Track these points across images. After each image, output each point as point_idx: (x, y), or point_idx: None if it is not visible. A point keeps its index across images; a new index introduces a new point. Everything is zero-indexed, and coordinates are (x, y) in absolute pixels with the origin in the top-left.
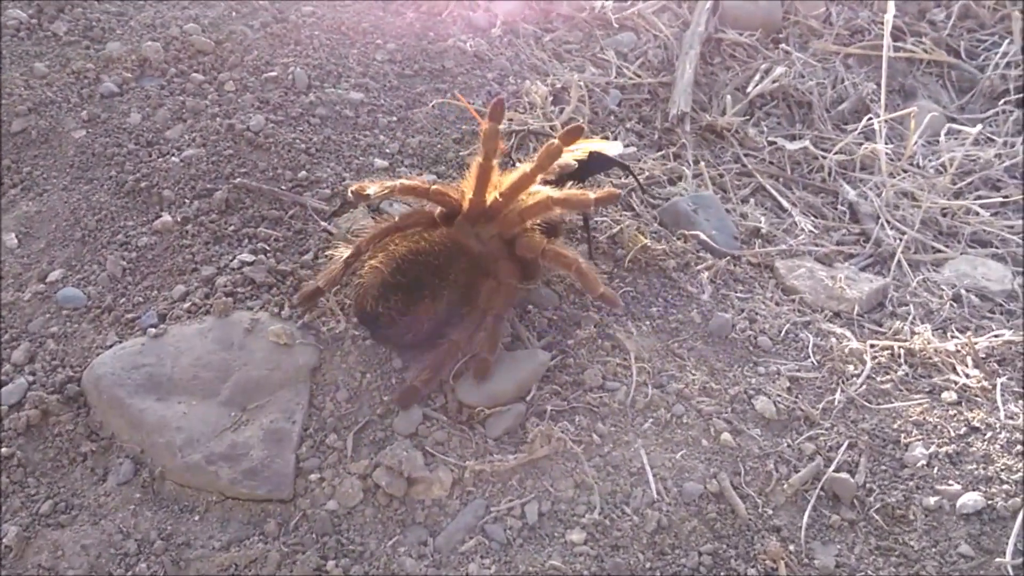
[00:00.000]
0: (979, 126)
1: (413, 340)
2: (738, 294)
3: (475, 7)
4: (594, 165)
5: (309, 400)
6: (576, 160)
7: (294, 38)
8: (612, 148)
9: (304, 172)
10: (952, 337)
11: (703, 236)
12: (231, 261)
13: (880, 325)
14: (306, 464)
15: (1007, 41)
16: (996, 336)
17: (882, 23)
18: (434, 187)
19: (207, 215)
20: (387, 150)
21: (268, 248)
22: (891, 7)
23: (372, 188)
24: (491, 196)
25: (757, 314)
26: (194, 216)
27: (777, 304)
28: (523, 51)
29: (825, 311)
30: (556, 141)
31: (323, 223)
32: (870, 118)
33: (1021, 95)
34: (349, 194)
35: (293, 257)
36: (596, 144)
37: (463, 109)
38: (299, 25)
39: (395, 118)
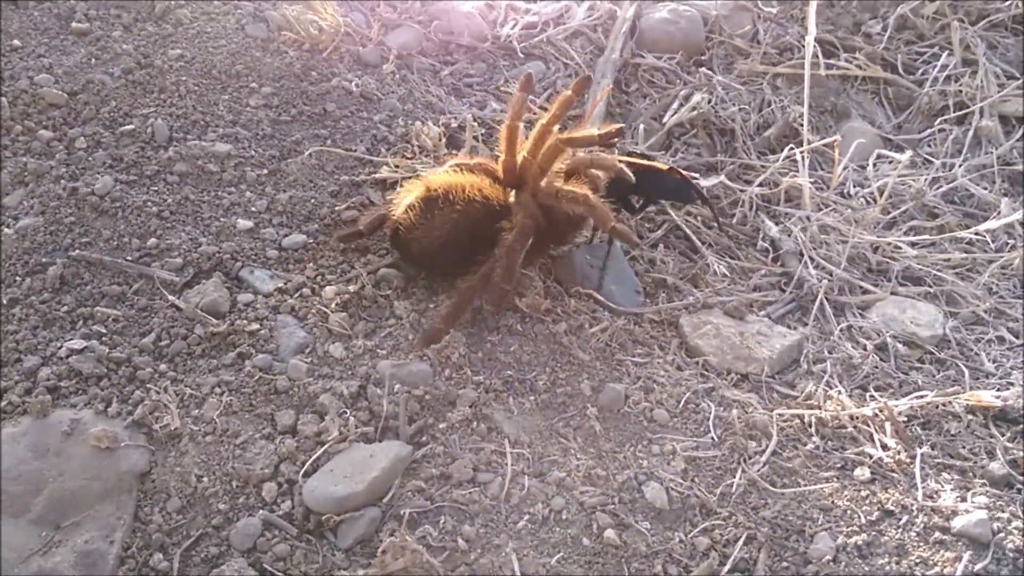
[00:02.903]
0: (909, 153)
1: (430, 251)
2: (635, 358)
3: (366, 41)
4: (657, 190)
5: (134, 513)
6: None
7: (158, 85)
8: (660, 166)
9: (154, 239)
10: (871, 399)
11: (597, 296)
12: (59, 349)
13: (793, 387)
14: None
15: (946, 53)
16: (919, 397)
17: (815, 40)
18: (476, 160)
19: (38, 295)
20: (253, 208)
21: (104, 331)
22: (812, 27)
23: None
24: (520, 156)
25: (655, 382)
26: (23, 296)
27: (679, 368)
28: (418, 88)
29: (732, 374)
30: (569, 92)
31: (171, 297)
32: (791, 148)
33: (960, 112)
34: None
35: (132, 341)
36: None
37: (342, 159)
38: (165, 71)
39: (266, 171)
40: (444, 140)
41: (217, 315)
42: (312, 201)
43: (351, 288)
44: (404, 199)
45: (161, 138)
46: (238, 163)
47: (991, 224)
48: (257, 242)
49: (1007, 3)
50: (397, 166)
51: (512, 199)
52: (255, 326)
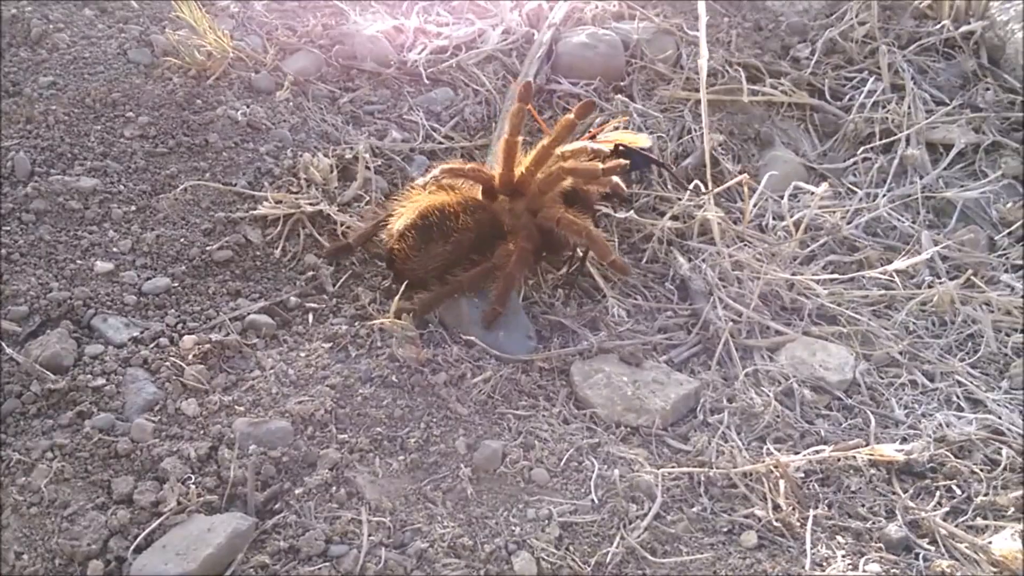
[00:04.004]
0: (824, 186)
1: (424, 276)
2: (519, 411)
3: (260, 66)
4: (630, 162)
5: None
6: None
7: (25, 115)
8: (642, 141)
9: None
10: (767, 454)
11: (480, 343)
12: None
13: (686, 440)
14: None
15: (874, 78)
16: (817, 451)
17: (739, 64)
18: (470, 166)
19: None
20: (115, 249)
21: None
22: (704, 51)
23: (420, 180)
24: (518, 171)
25: (537, 438)
26: None
27: (565, 422)
28: (313, 116)
29: (621, 427)
30: (571, 115)
31: (9, 350)
32: (697, 186)
33: (887, 140)
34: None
35: None
36: (627, 136)
37: (221, 193)
38: (34, 99)
39: (134, 208)
40: (336, 172)
41: (58, 370)
42: (182, 240)
43: (214, 337)
44: (398, 222)
45: (21, 173)
46: (103, 199)
47: (898, 265)
48: (115, 286)
49: (938, 26)
50: (279, 201)
51: (506, 207)
52: (100, 381)
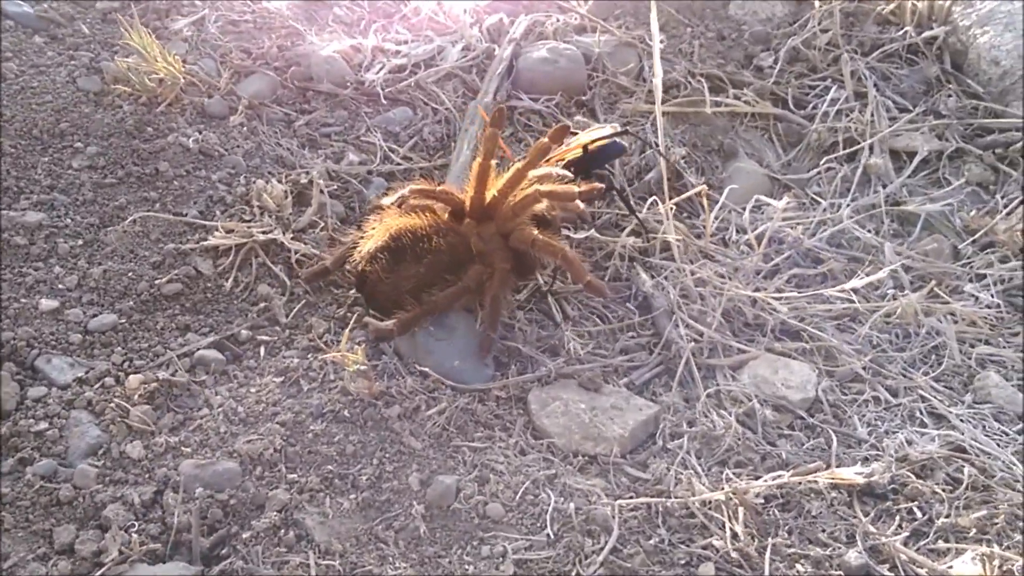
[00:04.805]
0: (786, 200)
1: (396, 297)
2: (474, 443)
3: (213, 91)
4: (593, 162)
5: None
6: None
7: None
8: (599, 131)
9: None
10: (727, 480)
11: (434, 375)
12: None
13: (645, 468)
14: None
15: (836, 86)
16: (776, 476)
17: (702, 75)
18: (440, 187)
19: None
20: (61, 285)
21: None
22: (659, 69)
23: (386, 200)
24: (490, 194)
25: (493, 471)
26: None
27: (522, 453)
28: (268, 141)
29: (579, 456)
30: (545, 139)
31: None
32: (652, 202)
33: (851, 149)
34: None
35: None
36: (587, 136)
37: (171, 224)
38: None
39: (81, 242)
40: (290, 198)
41: None
42: (130, 275)
43: (161, 375)
44: (367, 244)
45: None
46: (50, 234)
47: (855, 283)
48: (60, 325)
49: (900, 32)
50: (230, 231)
51: (475, 232)
52: (43, 425)
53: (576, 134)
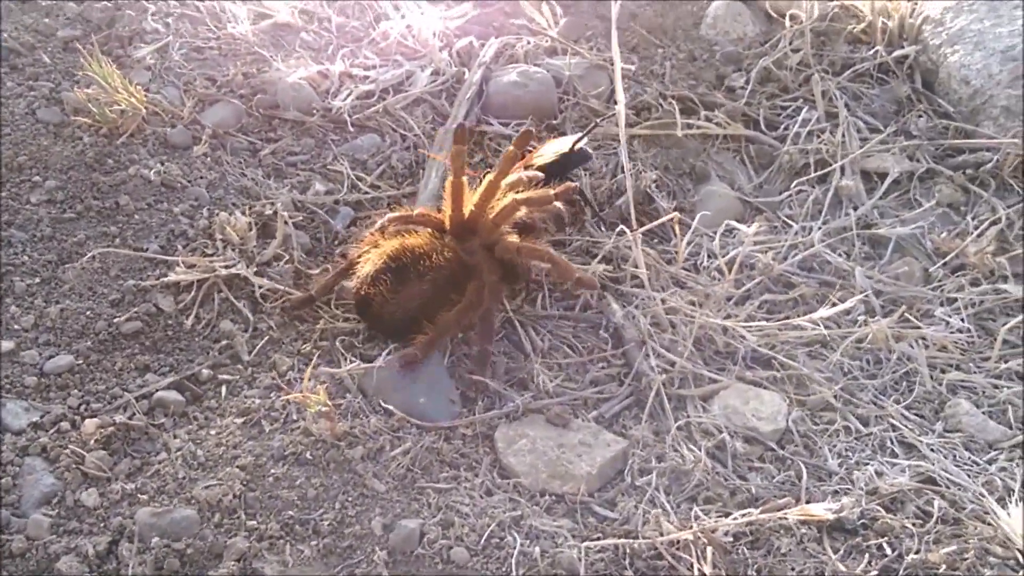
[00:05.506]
0: (755, 226)
1: (401, 322)
2: (440, 484)
3: (176, 120)
4: (561, 169)
5: None
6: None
7: None
8: (565, 143)
9: None
10: (695, 518)
11: (398, 413)
12: None
13: (613, 506)
14: None
15: (808, 107)
16: (745, 514)
17: (673, 97)
18: (417, 212)
19: None
20: (17, 326)
21: None
22: (621, 95)
23: (369, 231)
24: (467, 210)
25: (458, 513)
26: None
27: (488, 493)
28: (232, 171)
29: (547, 496)
30: (511, 147)
31: None
32: (620, 231)
33: (822, 171)
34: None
35: None
36: (553, 146)
37: (131, 260)
38: None
39: (38, 280)
40: (255, 231)
41: None
42: (88, 313)
43: (118, 418)
44: (366, 268)
45: None
46: (6, 272)
47: (823, 312)
48: (15, 367)
49: (871, 51)
50: (192, 266)
51: (460, 248)
52: None
53: (535, 148)
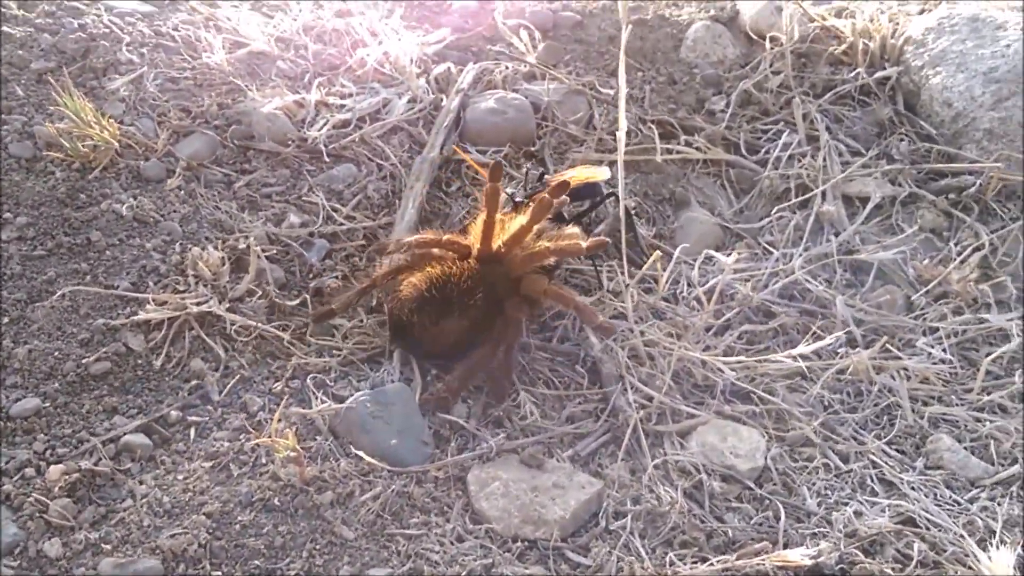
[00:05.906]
0: (734, 255)
1: (437, 351)
2: (410, 530)
3: (150, 153)
4: (585, 193)
5: None
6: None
7: None
8: (601, 174)
9: None
10: (670, 564)
11: (367, 458)
12: None
13: (587, 552)
14: None
15: (788, 130)
16: (721, 560)
17: (653, 121)
18: (446, 237)
19: None
20: None
21: None
22: (623, 121)
23: (391, 247)
24: (496, 243)
25: (427, 561)
26: None
27: (459, 539)
28: (206, 204)
29: (519, 542)
30: (546, 196)
31: None
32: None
33: (803, 196)
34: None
35: None
36: (583, 172)
37: (102, 298)
38: None
39: (6, 320)
40: (227, 265)
41: None
42: (56, 354)
43: (84, 464)
44: (410, 290)
45: None
46: None
47: (802, 349)
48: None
49: (853, 73)
50: (162, 303)
51: (488, 277)
52: None
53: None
